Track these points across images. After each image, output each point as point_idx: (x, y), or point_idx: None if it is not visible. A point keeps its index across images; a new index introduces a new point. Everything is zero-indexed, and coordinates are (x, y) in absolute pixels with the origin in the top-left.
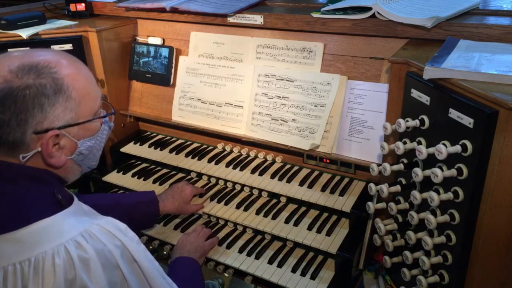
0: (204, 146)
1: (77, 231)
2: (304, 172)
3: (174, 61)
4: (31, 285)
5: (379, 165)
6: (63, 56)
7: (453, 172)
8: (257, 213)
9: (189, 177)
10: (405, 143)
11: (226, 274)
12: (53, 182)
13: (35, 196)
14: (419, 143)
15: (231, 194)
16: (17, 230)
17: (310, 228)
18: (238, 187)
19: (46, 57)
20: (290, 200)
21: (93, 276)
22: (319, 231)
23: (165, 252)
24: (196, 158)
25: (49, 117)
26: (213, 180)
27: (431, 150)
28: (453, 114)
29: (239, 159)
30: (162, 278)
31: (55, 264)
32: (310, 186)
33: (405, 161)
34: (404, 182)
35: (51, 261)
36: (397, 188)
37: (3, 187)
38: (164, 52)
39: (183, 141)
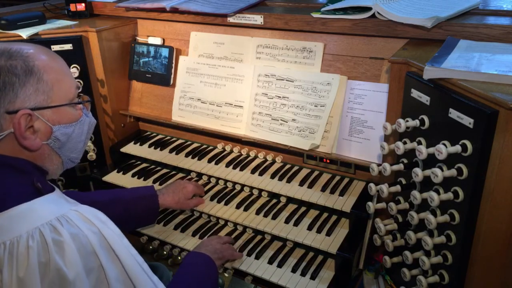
0: (204, 146)
1: (53, 216)
2: (304, 172)
3: (174, 61)
4: (5, 268)
5: (379, 165)
6: (41, 49)
7: (453, 172)
8: (257, 213)
9: (189, 177)
10: (405, 143)
11: (226, 274)
12: (32, 171)
13: (12, 184)
14: (419, 143)
15: (231, 194)
16: None
17: (310, 228)
18: (238, 187)
19: (22, 46)
20: (290, 200)
21: (67, 259)
22: (319, 231)
23: (165, 252)
24: (196, 158)
25: (20, 96)
26: (213, 180)
27: (431, 150)
28: (453, 114)
29: (239, 159)
30: (145, 274)
31: (29, 246)
32: (310, 186)
33: (405, 161)
34: (404, 182)
35: (25, 244)
36: (397, 188)
37: None
38: (164, 52)
39: (183, 141)
